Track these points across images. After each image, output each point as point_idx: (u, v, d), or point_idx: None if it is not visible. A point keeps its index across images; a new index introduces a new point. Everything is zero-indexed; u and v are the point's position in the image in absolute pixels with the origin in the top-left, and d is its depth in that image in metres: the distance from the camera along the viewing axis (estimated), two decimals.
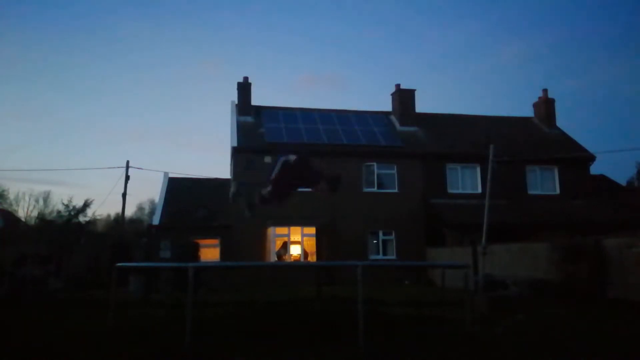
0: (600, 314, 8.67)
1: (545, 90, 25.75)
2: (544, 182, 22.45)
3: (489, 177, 12.76)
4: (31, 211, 50.05)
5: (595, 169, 23.97)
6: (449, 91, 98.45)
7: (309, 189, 6.25)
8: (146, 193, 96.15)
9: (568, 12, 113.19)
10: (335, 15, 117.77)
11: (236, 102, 23.05)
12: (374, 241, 20.76)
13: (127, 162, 22.69)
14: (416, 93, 24.33)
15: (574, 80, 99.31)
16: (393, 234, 20.63)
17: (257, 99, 23.82)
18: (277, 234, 19.97)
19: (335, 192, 6.06)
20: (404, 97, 23.98)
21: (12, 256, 18.49)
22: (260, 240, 19.82)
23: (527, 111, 27.12)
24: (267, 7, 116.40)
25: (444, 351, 5.37)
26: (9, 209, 43.63)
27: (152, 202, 52.57)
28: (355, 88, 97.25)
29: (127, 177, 22.64)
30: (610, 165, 59.27)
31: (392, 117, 24.18)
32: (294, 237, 20.20)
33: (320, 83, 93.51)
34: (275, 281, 16.49)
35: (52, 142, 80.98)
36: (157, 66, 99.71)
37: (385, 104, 40.53)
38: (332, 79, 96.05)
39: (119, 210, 23.52)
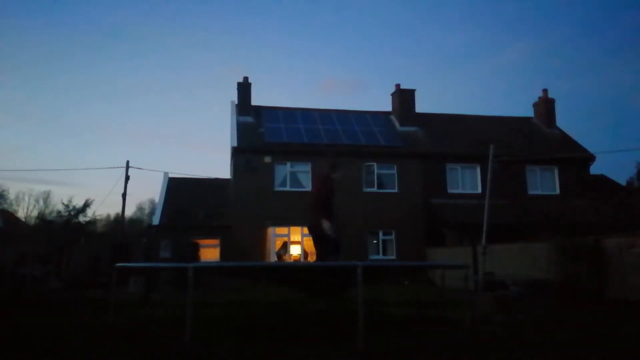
0: (600, 314, 8.67)
1: (545, 90, 25.78)
2: (544, 182, 22.46)
3: (489, 177, 12.77)
4: (31, 211, 50.17)
5: (595, 169, 24.00)
6: (449, 91, 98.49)
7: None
8: (146, 193, 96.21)
9: (568, 12, 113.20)
10: (336, 18, 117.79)
11: (236, 102, 23.06)
12: (374, 241, 20.76)
13: (127, 162, 22.71)
14: (416, 93, 24.36)
15: (574, 80, 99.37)
16: (393, 234, 20.63)
17: (260, 102, 23.82)
18: (277, 234, 19.98)
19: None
20: (404, 97, 24.00)
21: (12, 256, 18.51)
22: (260, 240, 19.83)
23: (527, 111, 27.16)
24: (267, 10, 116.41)
25: (444, 351, 5.37)
26: (9, 209, 43.67)
27: (152, 202, 52.67)
28: (357, 89, 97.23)
29: (127, 177, 22.65)
30: (610, 165, 59.33)
31: (392, 117, 24.19)
32: (294, 237, 20.21)
33: (323, 87, 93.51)
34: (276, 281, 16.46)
35: (52, 143, 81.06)
36: (161, 68, 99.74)
37: (385, 105, 40.51)
38: (335, 82, 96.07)
39: (119, 210, 23.54)
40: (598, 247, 11.24)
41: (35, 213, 49.06)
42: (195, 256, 18.21)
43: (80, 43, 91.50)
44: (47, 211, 47.81)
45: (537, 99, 26.03)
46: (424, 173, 21.26)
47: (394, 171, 21.30)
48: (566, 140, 24.22)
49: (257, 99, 23.85)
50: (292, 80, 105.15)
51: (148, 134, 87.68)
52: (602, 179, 25.05)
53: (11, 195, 47.82)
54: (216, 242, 20.79)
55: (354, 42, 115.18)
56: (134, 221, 52.26)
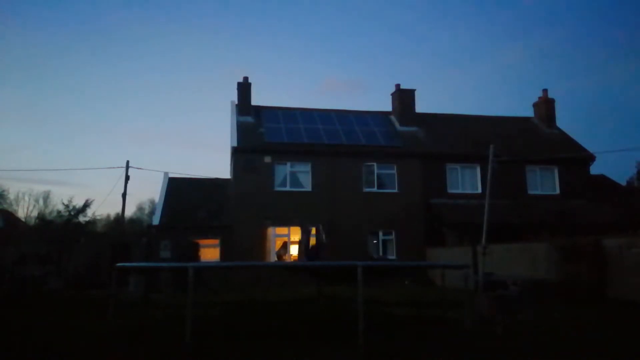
0: (600, 313, 8.67)
1: (545, 90, 25.76)
2: (544, 182, 22.44)
3: (489, 177, 12.75)
4: (31, 211, 50.06)
5: (595, 169, 23.99)
6: (449, 91, 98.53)
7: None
8: (146, 193, 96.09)
9: (568, 12, 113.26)
10: (336, 18, 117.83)
11: (236, 102, 23.04)
12: (374, 241, 20.75)
13: (127, 162, 22.69)
14: (416, 93, 24.35)
15: (574, 81, 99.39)
16: (393, 234, 20.62)
17: (260, 102, 23.80)
18: (277, 234, 19.98)
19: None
20: (404, 97, 23.98)
21: (12, 256, 18.49)
22: (260, 240, 19.82)
23: (527, 111, 27.15)
24: (267, 10, 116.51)
25: (444, 351, 5.37)
26: (9, 209, 43.62)
27: (152, 202, 52.59)
28: (357, 89, 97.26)
29: (127, 177, 22.63)
30: (610, 165, 59.31)
31: (392, 117, 24.17)
32: (294, 237, 20.19)
33: (323, 87, 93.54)
34: (275, 281, 16.47)
35: (52, 143, 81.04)
36: (161, 68, 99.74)
37: (385, 105, 40.55)
38: (335, 82, 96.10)
39: (119, 210, 23.52)
40: (598, 247, 11.24)
41: (35, 213, 49.00)
42: (195, 256, 18.19)
43: (80, 43, 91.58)
44: (47, 211, 47.76)
45: (537, 99, 26.00)
46: (424, 173, 21.24)
47: (394, 171, 21.29)
48: (566, 140, 24.20)
49: (257, 99, 23.86)
50: (292, 80, 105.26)
51: (148, 134, 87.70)
52: (602, 179, 25.05)
53: (11, 195, 47.75)
54: (216, 242, 20.76)
55: (354, 42, 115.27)
56: (134, 221, 52.22)
